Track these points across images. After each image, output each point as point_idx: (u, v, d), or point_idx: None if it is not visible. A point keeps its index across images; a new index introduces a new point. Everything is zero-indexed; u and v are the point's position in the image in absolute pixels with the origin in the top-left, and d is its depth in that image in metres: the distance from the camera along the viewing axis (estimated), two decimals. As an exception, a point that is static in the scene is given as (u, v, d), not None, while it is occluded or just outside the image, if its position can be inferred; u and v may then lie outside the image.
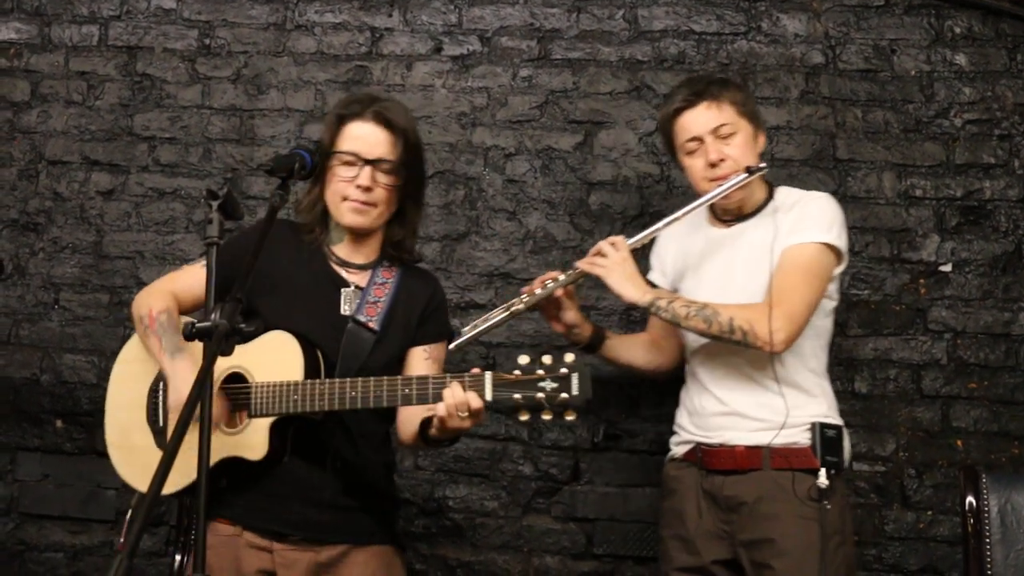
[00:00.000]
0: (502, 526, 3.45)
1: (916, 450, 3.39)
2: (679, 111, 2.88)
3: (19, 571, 3.53)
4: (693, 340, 2.89)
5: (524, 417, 2.25)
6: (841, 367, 3.42)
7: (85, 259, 3.68)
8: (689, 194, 3.52)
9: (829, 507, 2.62)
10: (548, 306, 2.97)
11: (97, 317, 3.64)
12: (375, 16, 3.75)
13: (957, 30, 3.58)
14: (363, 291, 2.62)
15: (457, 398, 2.28)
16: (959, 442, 3.38)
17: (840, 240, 2.79)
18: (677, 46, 3.64)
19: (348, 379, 2.39)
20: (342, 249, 2.67)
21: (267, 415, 2.41)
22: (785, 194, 2.91)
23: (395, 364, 2.61)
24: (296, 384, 2.40)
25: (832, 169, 3.52)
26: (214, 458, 2.39)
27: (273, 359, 2.44)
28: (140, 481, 2.58)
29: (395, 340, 2.60)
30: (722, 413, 2.79)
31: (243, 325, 2.02)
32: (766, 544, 2.65)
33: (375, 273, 2.65)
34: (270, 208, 2.29)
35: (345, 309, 2.59)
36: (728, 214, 2.92)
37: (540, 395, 2.22)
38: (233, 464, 2.44)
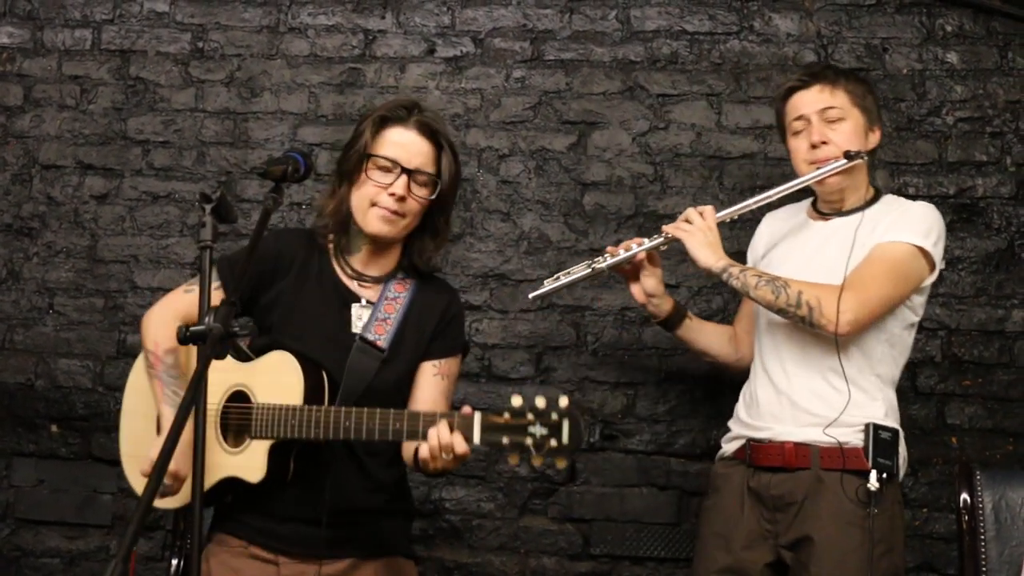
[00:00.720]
0: (499, 527, 3.45)
1: (911, 448, 3.34)
2: (792, 90, 2.85)
3: (15, 576, 3.54)
4: (764, 324, 2.83)
5: (513, 461, 2.15)
6: (836, 365, 3.43)
7: (79, 263, 3.68)
8: (684, 193, 3.55)
9: (876, 512, 2.53)
10: (630, 270, 2.96)
11: (92, 322, 3.64)
12: (368, 18, 3.75)
13: (948, 28, 3.59)
14: (374, 306, 2.55)
15: (442, 440, 2.19)
16: (954, 439, 3.39)
17: (935, 249, 2.70)
18: (670, 46, 3.64)
19: (344, 408, 2.33)
20: (358, 260, 2.60)
21: (266, 438, 2.37)
22: (890, 199, 2.86)
23: (405, 383, 2.56)
24: (294, 409, 2.35)
25: (825, 168, 3.53)
26: (216, 476, 2.40)
27: (275, 380, 2.40)
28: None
29: (404, 358, 2.54)
30: (777, 403, 2.73)
31: (236, 328, 2.01)
32: (806, 544, 2.59)
33: (387, 287, 2.58)
34: (264, 211, 2.28)
35: (356, 326, 2.53)
36: (828, 207, 2.86)
37: (528, 440, 2.10)
38: (236, 482, 2.41)
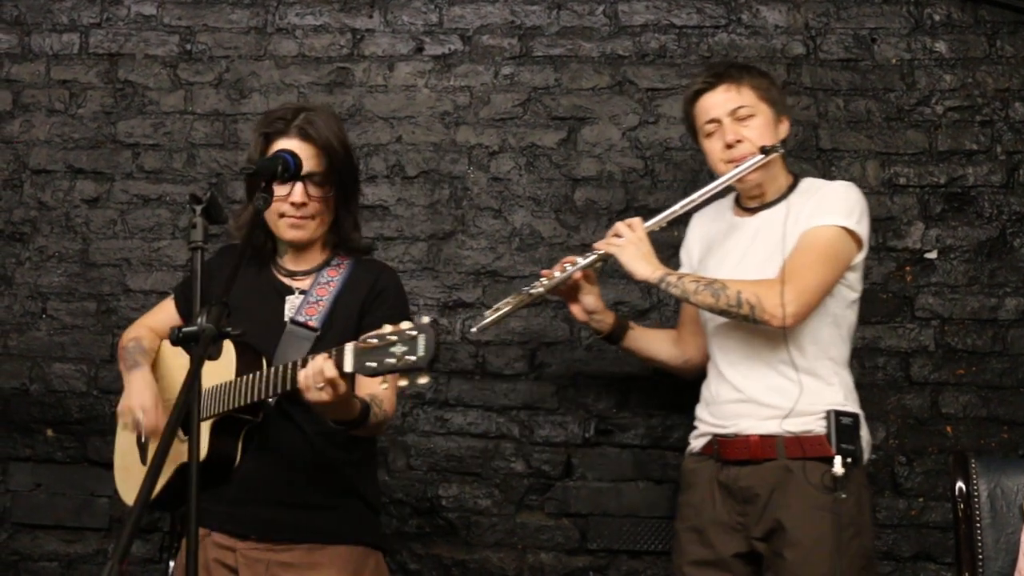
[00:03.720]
0: (495, 524, 3.45)
1: (906, 437, 3.40)
2: (699, 93, 2.90)
3: (13, 582, 3.54)
4: (712, 327, 2.87)
5: (384, 385, 2.20)
6: (829, 356, 3.44)
7: (72, 268, 3.68)
8: (675, 188, 3.55)
9: (844, 496, 2.56)
10: (568, 291, 2.98)
11: (85, 325, 3.64)
12: (356, 18, 3.74)
13: (936, 17, 3.59)
14: (306, 293, 2.65)
15: (313, 368, 2.25)
16: (949, 428, 3.39)
17: (860, 227, 2.76)
18: (658, 40, 3.64)
19: (260, 371, 2.41)
20: (288, 260, 2.72)
21: (207, 419, 2.44)
22: (809, 183, 2.90)
23: None
24: (226, 384, 2.45)
25: (816, 159, 3.53)
26: (171, 467, 2.48)
27: (213, 365, 2.47)
28: (130, 498, 2.67)
29: (337, 334, 2.56)
30: (737, 400, 2.77)
31: (229, 328, 2.02)
32: (778, 533, 2.64)
33: (320, 274, 2.68)
34: (254, 211, 2.30)
35: (288, 314, 2.63)
36: (751, 201, 2.91)
37: (391, 360, 2.15)
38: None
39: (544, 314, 3.52)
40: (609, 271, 3.24)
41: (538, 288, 2.92)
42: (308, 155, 2.57)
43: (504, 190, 3.61)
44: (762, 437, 2.71)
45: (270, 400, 2.45)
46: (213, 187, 3.63)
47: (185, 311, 2.72)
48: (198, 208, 2.15)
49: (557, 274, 2.91)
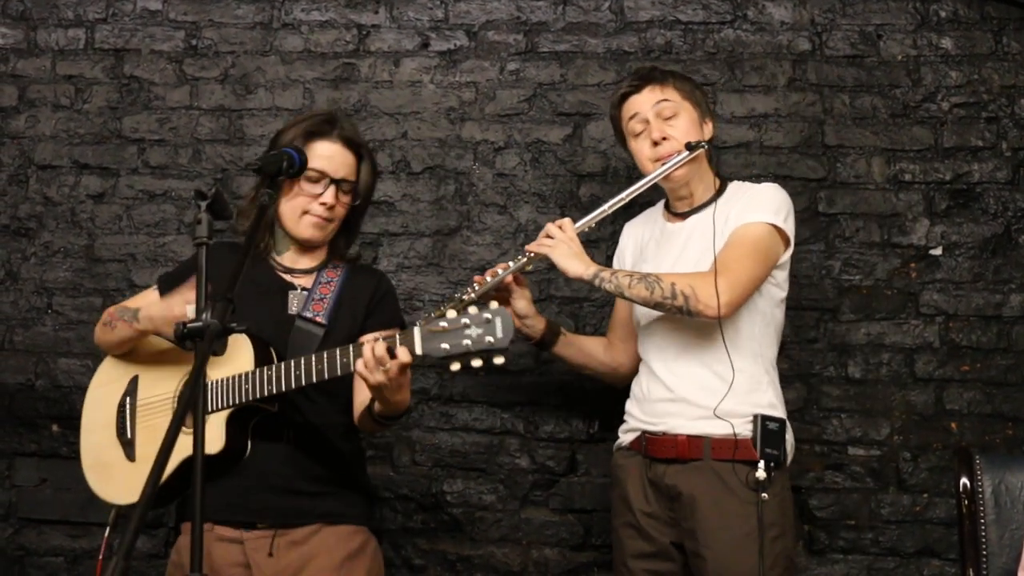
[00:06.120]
0: (500, 519, 3.46)
1: (911, 433, 3.40)
2: (625, 96, 2.97)
3: (19, 576, 3.54)
4: (645, 324, 2.92)
5: (455, 367, 2.26)
6: (834, 352, 3.44)
7: (77, 263, 3.69)
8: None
9: (767, 499, 2.61)
10: (499, 296, 2.98)
11: (91, 321, 3.63)
12: (361, 13, 3.75)
13: (943, 14, 3.58)
14: (309, 290, 2.71)
15: (376, 352, 2.31)
16: (953, 424, 3.39)
17: (787, 225, 2.83)
18: (664, 36, 3.64)
19: (292, 360, 2.46)
20: (287, 258, 2.78)
21: (222, 409, 2.50)
22: (737, 185, 2.97)
23: None
24: (247, 374, 2.49)
25: (821, 156, 3.53)
26: (178, 458, 2.48)
27: (227, 357, 2.51)
28: (116, 495, 2.68)
29: (343, 332, 2.65)
30: (668, 399, 2.81)
31: (234, 324, 2.02)
32: (701, 534, 2.69)
33: (320, 274, 2.76)
34: (259, 207, 2.30)
35: (293, 309, 2.69)
36: (681, 204, 2.97)
37: (467, 342, 2.23)
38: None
39: (549, 310, 3.52)
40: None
41: (469, 295, 2.90)
42: (345, 162, 2.72)
43: (509, 186, 3.61)
44: (690, 437, 2.76)
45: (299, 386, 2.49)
46: (218, 183, 3.64)
47: None
48: (203, 204, 2.15)
49: (489, 279, 2.91)
